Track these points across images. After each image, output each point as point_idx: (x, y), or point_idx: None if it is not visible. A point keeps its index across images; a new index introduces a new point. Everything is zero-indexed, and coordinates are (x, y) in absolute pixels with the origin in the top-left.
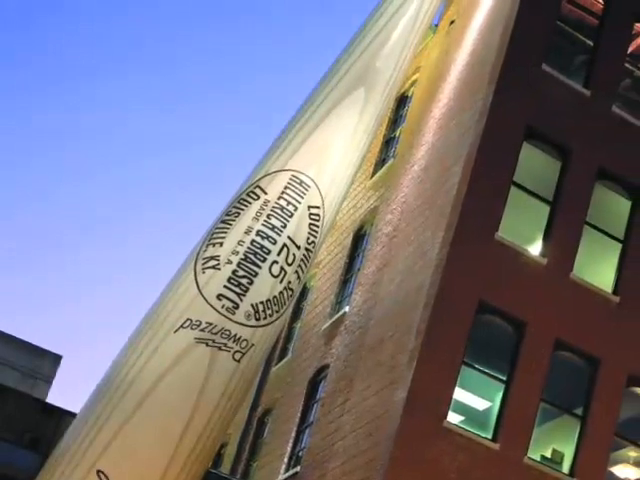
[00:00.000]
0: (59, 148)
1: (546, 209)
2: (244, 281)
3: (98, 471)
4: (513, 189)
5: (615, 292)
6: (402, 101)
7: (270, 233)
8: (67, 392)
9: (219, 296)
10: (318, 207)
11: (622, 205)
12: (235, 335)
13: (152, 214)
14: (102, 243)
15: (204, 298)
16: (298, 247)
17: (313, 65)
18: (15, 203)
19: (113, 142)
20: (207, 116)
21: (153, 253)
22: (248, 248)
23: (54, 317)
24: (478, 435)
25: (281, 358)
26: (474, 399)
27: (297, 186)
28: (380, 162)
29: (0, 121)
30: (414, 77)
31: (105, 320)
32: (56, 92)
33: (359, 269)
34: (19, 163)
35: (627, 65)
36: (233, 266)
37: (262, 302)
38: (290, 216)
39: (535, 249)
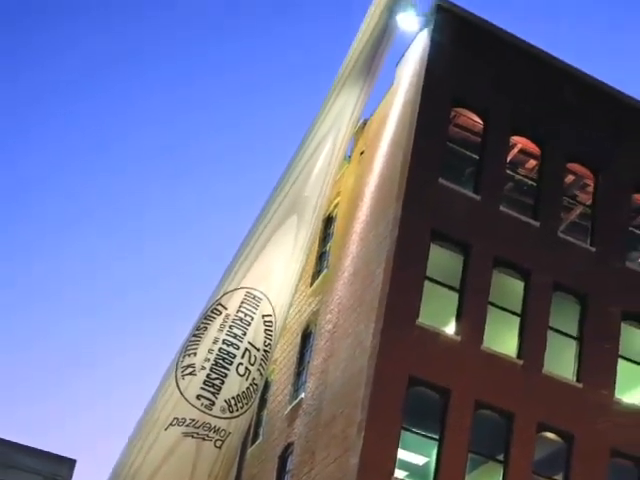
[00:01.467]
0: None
1: (455, 295)
2: (217, 382)
3: None
4: (427, 282)
5: (519, 356)
6: (328, 221)
7: (233, 341)
8: None
9: (198, 396)
10: (270, 315)
11: (517, 285)
12: (215, 427)
13: (138, 340)
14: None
15: (186, 399)
16: (258, 349)
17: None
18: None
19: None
20: (172, 254)
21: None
22: (217, 355)
23: (68, 427)
24: None
25: (254, 441)
26: (414, 457)
27: (251, 300)
28: (316, 273)
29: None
30: (336, 200)
31: (111, 428)
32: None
33: (309, 362)
34: (20, 306)
35: (508, 171)
36: (207, 371)
37: (233, 397)
38: (248, 325)
39: (450, 329)
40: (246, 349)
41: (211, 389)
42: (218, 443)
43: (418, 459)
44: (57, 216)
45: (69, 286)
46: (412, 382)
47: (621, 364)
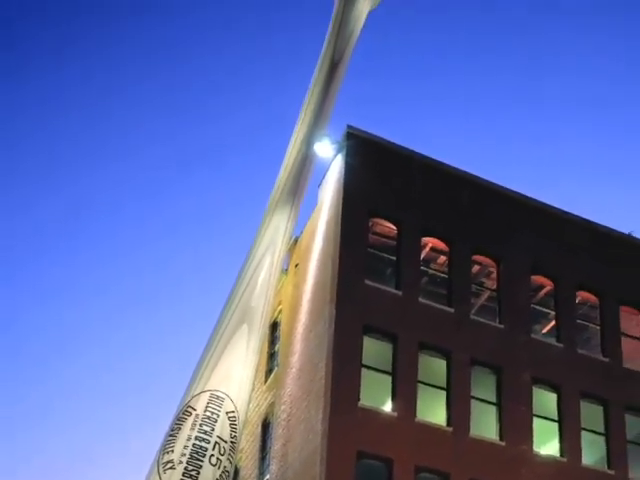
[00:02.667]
0: None
1: (389, 378)
2: (193, 473)
3: None
4: (364, 370)
5: (448, 424)
6: (274, 326)
7: (204, 437)
8: None
9: None
10: (233, 411)
11: (440, 364)
12: None
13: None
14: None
15: None
16: (226, 442)
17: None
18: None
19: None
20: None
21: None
22: (191, 450)
23: None
24: None
25: None
26: None
27: (216, 400)
28: (269, 371)
29: None
30: (279, 307)
31: None
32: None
33: (270, 447)
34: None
35: (423, 267)
36: (184, 464)
37: None
38: (215, 422)
39: (387, 407)
40: (216, 442)
41: (189, 479)
42: None
43: None
44: None
45: None
46: (360, 456)
47: (536, 422)
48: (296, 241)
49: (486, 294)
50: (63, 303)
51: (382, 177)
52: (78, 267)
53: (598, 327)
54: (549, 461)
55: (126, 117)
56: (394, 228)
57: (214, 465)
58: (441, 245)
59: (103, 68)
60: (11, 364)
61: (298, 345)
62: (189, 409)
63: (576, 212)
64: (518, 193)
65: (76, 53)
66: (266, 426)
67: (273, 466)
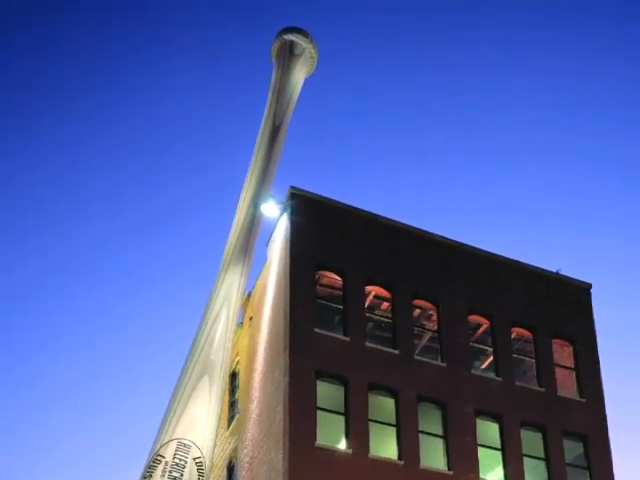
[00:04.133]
0: None
1: (342, 418)
2: None
3: None
4: (318, 411)
5: (399, 458)
6: (233, 376)
7: None
8: None
9: None
10: (200, 457)
11: (389, 402)
12: None
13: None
14: None
15: None
16: None
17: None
18: None
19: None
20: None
21: None
22: None
23: None
24: None
25: None
26: None
27: (183, 447)
28: (231, 418)
29: None
30: (237, 358)
31: None
32: None
33: None
34: None
35: (368, 314)
36: None
37: None
38: (184, 468)
39: (342, 445)
40: None
41: None
42: None
43: None
44: None
45: None
46: None
47: (480, 451)
48: (249, 296)
49: (428, 335)
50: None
51: (325, 232)
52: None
53: (533, 360)
54: None
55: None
56: (339, 279)
57: None
58: (384, 292)
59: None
60: None
61: (256, 392)
62: (159, 457)
63: (506, 254)
64: (451, 240)
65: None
66: (231, 469)
67: None
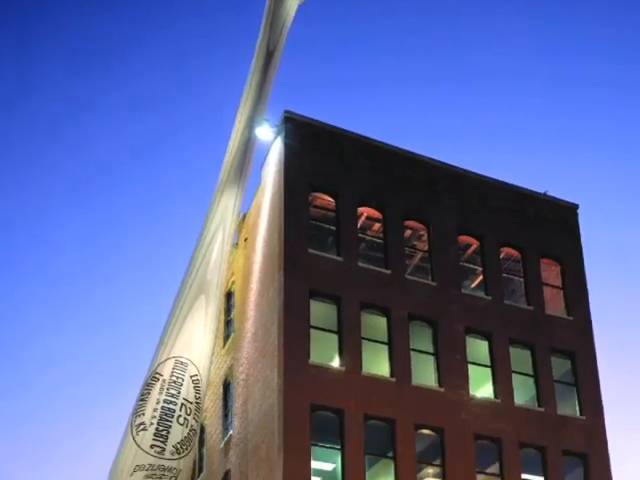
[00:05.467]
0: None
1: (335, 336)
2: (164, 432)
3: None
4: (312, 330)
5: (392, 375)
6: (229, 295)
7: (172, 399)
8: None
9: (151, 446)
10: (197, 375)
11: (381, 321)
12: (168, 467)
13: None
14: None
15: (143, 450)
16: (191, 403)
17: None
18: None
19: None
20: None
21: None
22: (161, 412)
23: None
24: None
25: (199, 473)
26: (324, 465)
27: (180, 366)
28: (226, 337)
29: None
30: (232, 278)
31: None
32: None
33: (232, 405)
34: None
35: (360, 235)
36: (155, 425)
37: (179, 442)
38: (181, 386)
39: (336, 363)
40: (182, 404)
41: (160, 439)
42: (173, 479)
43: (327, 466)
44: None
45: None
46: (313, 408)
47: (470, 368)
48: (244, 217)
49: (419, 255)
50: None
51: (319, 155)
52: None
53: (522, 279)
54: (485, 403)
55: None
56: (332, 201)
57: (182, 424)
58: (375, 213)
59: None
60: None
61: (252, 311)
62: (156, 375)
63: (496, 176)
64: (442, 162)
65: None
66: (227, 386)
67: (235, 422)
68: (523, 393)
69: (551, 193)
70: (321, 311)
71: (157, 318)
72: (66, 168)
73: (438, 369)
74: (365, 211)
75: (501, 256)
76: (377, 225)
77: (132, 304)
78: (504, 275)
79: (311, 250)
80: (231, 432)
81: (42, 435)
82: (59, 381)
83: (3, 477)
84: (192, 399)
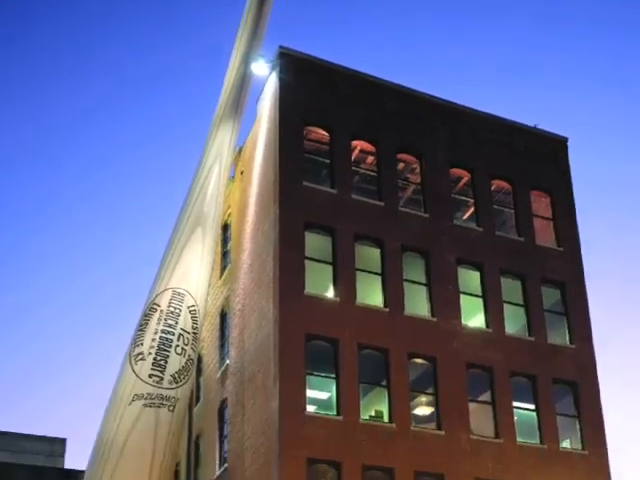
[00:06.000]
0: None
1: (330, 268)
2: (162, 362)
3: None
4: (307, 261)
5: (385, 305)
6: (225, 227)
7: (169, 329)
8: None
9: (150, 375)
10: (194, 305)
11: (374, 252)
12: (166, 396)
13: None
14: None
15: (141, 380)
16: (189, 333)
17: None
18: None
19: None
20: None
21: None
22: (159, 342)
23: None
24: (327, 414)
25: (197, 401)
26: (320, 394)
27: (177, 296)
28: (223, 268)
29: None
30: (229, 211)
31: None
32: None
33: (228, 335)
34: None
35: (354, 168)
36: (153, 355)
37: (177, 372)
38: (178, 316)
39: (330, 293)
40: (180, 334)
41: (159, 368)
42: (171, 408)
43: (323, 395)
44: None
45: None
46: (308, 338)
47: (462, 298)
48: (240, 151)
49: (411, 188)
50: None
51: (313, 89)
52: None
53: (512, 211)
54: (476, 332)
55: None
56: (326, 134)
57: (179, 354)
58: (369, 147)
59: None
60: None
61: (247, 243)
62: (154, 306)
63: (487, 110)
64: (435, 97)
65: None
66: (223, 317)
67: (232, 352)
68: (514, 322)
69: (541, 127)
70: (316, 243)
71: (156, 250)
72: (65, 102)
73: (430, 299)
74: (359, 144)
75: (492, 188)
76: (370, 158)
77: (131, 236)
78: (495, 207)
79: (306, 183)
80: (228, 362)
81: (41, 364)
82: (60, 310)
83: (4, 407)
84: (189, 329)
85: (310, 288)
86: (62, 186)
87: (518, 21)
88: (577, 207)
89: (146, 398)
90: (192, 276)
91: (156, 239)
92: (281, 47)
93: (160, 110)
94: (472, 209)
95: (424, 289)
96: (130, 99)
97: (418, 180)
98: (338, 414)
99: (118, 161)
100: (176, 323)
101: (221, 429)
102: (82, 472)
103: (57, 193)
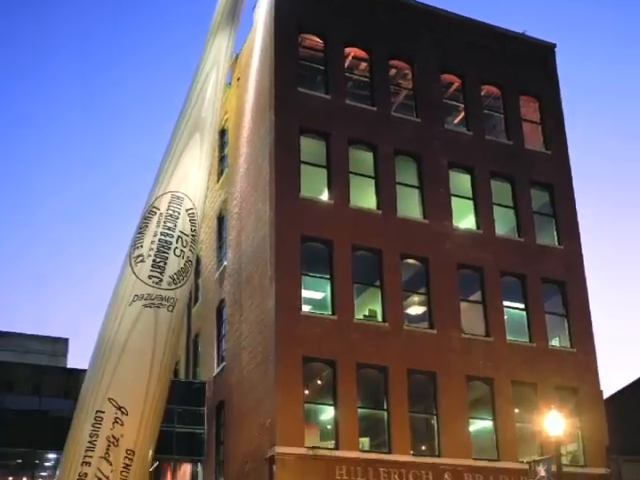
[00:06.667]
0: None
1: (324, 171)
2: (161, 264)
3: (109, 399)
4: (302, 165)
5: (378, 207)
6: (222, 133)
7: (168, 232)
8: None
9: (149, 276)
10: (192, 208)
11: (368, 156)
12: (165, 297)
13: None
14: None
15: (141, 280)
16: (187, 235)
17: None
18: None
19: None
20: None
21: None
22: (158, 244)
23: (63, 311)
24: (322, 314)
25: (195, 302)
26: (314, 294)
27: (176, 200)
28: (220, 172)
29: None
30: (226, 117)
31: (96, 310)
32: None
33: (226, 238)
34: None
35: (347, 74)
36: (152, 257)
37: (175, 273)
38: (177, 219)
39: (325, 196)
40: (179, 236)
41: (158, 270)
42: (170, 308)
43: (318, 295)
44: None
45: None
46: (304, 239)
47: (453, 201)
48: (237, 58)
49: (403, 93)
50: None
51: None
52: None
53: (502, 115)
54: (467, 234)
55: None
56: (320, 41)
57: (178, 256)
58: (362, 53)
59: None
60: None
61: (244, 148)
62: (154, 209)
63: (477, 17)
64: (425, 4)
65: None
66: (221, 219)
67: (229, 254)
68: (504, 224)
69: (530, 33)
70: (311, 147)
71: (155, 154)
72: (67, 2)
73: (422, 202)
74: (352, 51)
75: (482, 93)
76: (363, 64)
77: (131, 139)
78: (485, 112)
79: (300, 89)
80: (225, 263)
81: (44, 266)
82: (62, 213)
83: (7, 308)
84: (188, 232)
85: (305, 191)
86: (61, 89)
87: None
88: (565, 111)
89: (146, 299)
90: (190, 180)
91: (155, 143)
92: None
93: (160, 16)
94: (463, 114)
95: (416, 192)
96: (129, 3)
97: (410, 86)
98: (333, 313)
99: (117, 66)
100: (175, 226)
101: (219, 328)
102: (84, 371)
103: (56, 95)
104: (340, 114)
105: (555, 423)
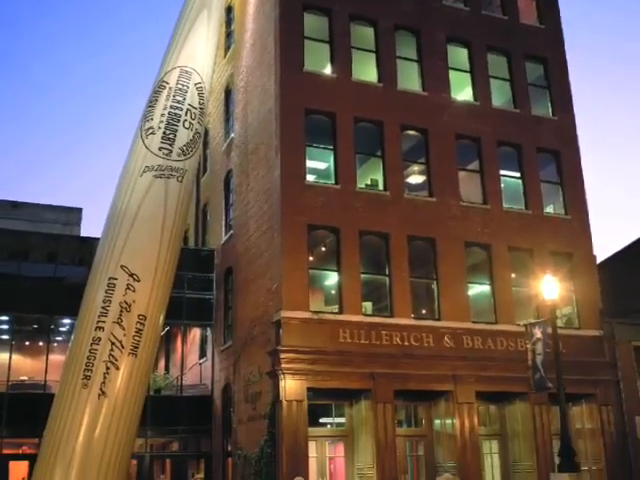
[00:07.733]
0: None
1: (327, 46)
2: (171, 136)
3: (122, 266)
4: (306, 41)
5: (379, 81)
6: (229, 9)
7: (178, 105)
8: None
9: (160, 148)
10: (200, 82)
11: (369, 31)
12: (175, 167)
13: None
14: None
15: (151, 152)
16: (195, 108)
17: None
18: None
19: None
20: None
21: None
22: (168, 117)
23: (77, 182)
24: (326, 183)
25: (204, 172)
26: (318, 164)
27: (185, 74)
28: (227, 47)
29: None
30: None
31: (110, 181)
32: None
33: (233, 110)
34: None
35: None
36: (162, 129)
37: (185, 144)
38: (186, 92)
39: (327, 70)
40: (187, 109)
41: (168, 142)
42: (180, 179)
43: (321, 165)
44: None
45: None
46: (307, 112)
47: (451, 74)
48: None
49: None
50: None
51: None
52: None
53: None
54: (465, 105)
55: None
56: None
57: (187, 128)
58: None
59: None
60: None
61: (250, 24)
62: (163, 83)
63: None
64: None
65: None
66: (228, 93)
67: (236, 126)
68: (500, 96)
69: None
70: (314, 23)
71: (166, 29)
72: None
73: (422, 74)
74: None
75: None
76: None
77: (143, 15)
78: None
79: None
80: (232, 135)
81: (59, 138)
82: (75, 87)
83: (22, 179)
84: (196, 105)
85: (309, 65)
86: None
87: None
88: None
89: (156, 169)
90: (198, 55)
91: (167, 20)
92: None
93: None
94: None
95: (415, 65)
96: None
97: None
98: (336, 183)
99: None
100: (184, 99)
101: (227, 198)
102: (97, 239)
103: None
104: None
105: (550, 287)
